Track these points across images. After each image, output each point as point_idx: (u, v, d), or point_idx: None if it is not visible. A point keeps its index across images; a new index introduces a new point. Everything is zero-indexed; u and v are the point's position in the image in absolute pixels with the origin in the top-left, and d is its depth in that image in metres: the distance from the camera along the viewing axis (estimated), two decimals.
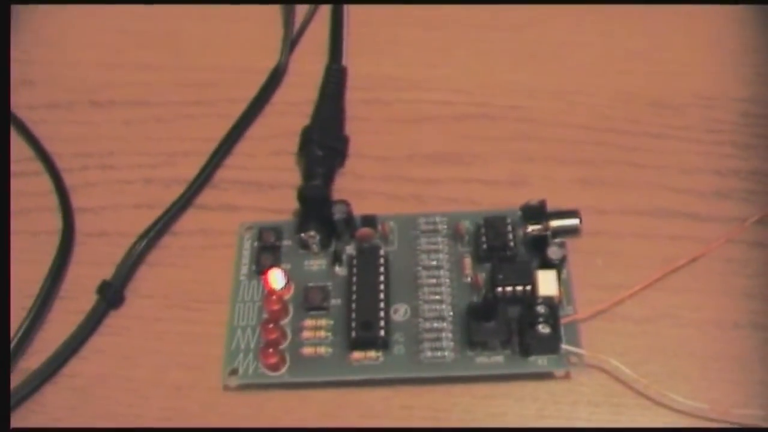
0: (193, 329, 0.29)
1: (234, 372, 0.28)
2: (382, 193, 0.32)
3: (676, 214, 0.31)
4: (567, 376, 0.28)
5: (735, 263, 0.30)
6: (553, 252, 0.29)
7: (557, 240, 0.30)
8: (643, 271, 0.29)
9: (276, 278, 0.29)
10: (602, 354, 0.27)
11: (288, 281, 0.29)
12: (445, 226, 0.31)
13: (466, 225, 0.31)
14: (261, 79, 0.36)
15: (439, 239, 0.31)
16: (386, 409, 0.27)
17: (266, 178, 0.33)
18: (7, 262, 0.21)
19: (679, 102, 0.34)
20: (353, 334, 0.28)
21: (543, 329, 0.27)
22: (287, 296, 0.29)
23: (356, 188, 0.33)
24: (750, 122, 0.34)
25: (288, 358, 0.28)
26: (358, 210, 0.30)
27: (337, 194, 0.32)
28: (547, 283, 0.28)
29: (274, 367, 0.28)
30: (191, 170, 0.33)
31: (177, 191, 0.32)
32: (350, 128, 0.34)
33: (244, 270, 0.31)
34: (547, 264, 0.29)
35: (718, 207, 0.31)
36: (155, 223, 0.32)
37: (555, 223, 0.30)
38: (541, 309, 0.27)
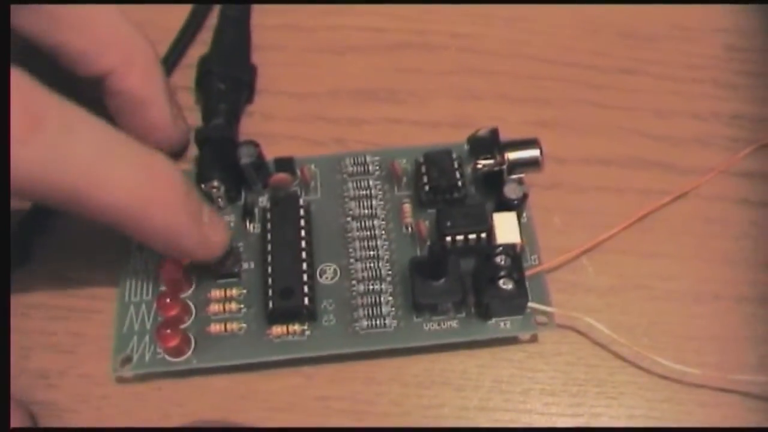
0: (74, 303, 0.26)
1: (127, 360, 0.24)
2: (297, 136, 0.29)
3: (649, 164, 0.28)
4: (533, 339, 0.25)
5: (716, 224, 0.27)
6: (511, 190, 0.25)
7: (514, 176, 0.25)
8: (608, 232, 0.26)
9: None
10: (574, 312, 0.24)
11: None
12: (378, 167, 0.27)
13: (403, 164, 0.27)
14: None
15: (371, 182, 0.26)
16: (301, 400, 0.24)
17: None
18: (6, 264, 0.20)
19: (653, 32, 0.31)
20: (271, 304, 0.24)
21: (506, 285, 0.23)
22: (188, 262, 0.25)
23: (266, 131, 0.28)
24: (734, 57, 0.31)
25: (193, 339, 0.24)
26: (269, 156, 0.26)
27: (243, 137, 0.28)
28: (506, 227, 0.24)
29: (177, 351, 0.24)
30: None
31: None
32: (259, 60, 0.30)
33: None
34: (504, 205, 0.25)
35: (697, 156, 0.28)
36: None
37: (511, 155, 0.25)
38: (501, 260, 0.23)
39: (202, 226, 0.23)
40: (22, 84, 0.18)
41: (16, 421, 0.22)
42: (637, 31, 0.31)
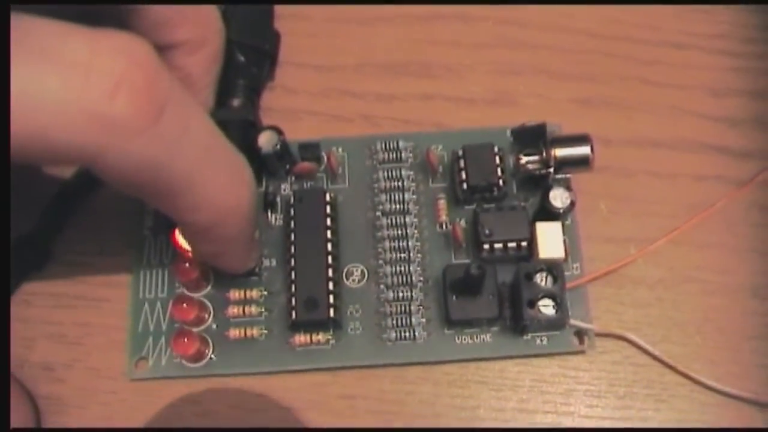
0: (82, 291, 0.24)
1: (143, 362, 0.23)
2: (321, 112, 0.27)
3: (703, 147, 0.26)
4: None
5: None
6: (557, 197, 0.23)
7: (560, 176, 0.23)
8: (659, 221, 0.25)
9: None
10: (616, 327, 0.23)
11: None
12: (411, 154, 0.25)
13: (438, 150, 0.25)
14: None
15: (404, 172, 0.25)
16: (324, 399, 0.23)
17: None
18: (6, 265, 0.20)
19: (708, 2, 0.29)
20: (294, 315, 0.22)
21: (545, 309, 0.22)
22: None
23: (287, 106, 0.27)
24: None
25: (211, 343, 0.23)
26: (288, 135, 0.24)
27: (263, 113, 0.26)
28: (549, 240, 0.23)
29: (195, 358, 0.23)
30: None
31: None
32: (281, 29, 0.27)
33: (149, 221, 0.25)
34: (548, 213, 0.23)
35: (757, 139, 0.26)
36: None
37: (559, 152, 0.23)
38: (542, 279, 0.22)
39: (253, 241, 0.22)
40: (149, 63, 0.16)
41: (18, 418, 0.21)
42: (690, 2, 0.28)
